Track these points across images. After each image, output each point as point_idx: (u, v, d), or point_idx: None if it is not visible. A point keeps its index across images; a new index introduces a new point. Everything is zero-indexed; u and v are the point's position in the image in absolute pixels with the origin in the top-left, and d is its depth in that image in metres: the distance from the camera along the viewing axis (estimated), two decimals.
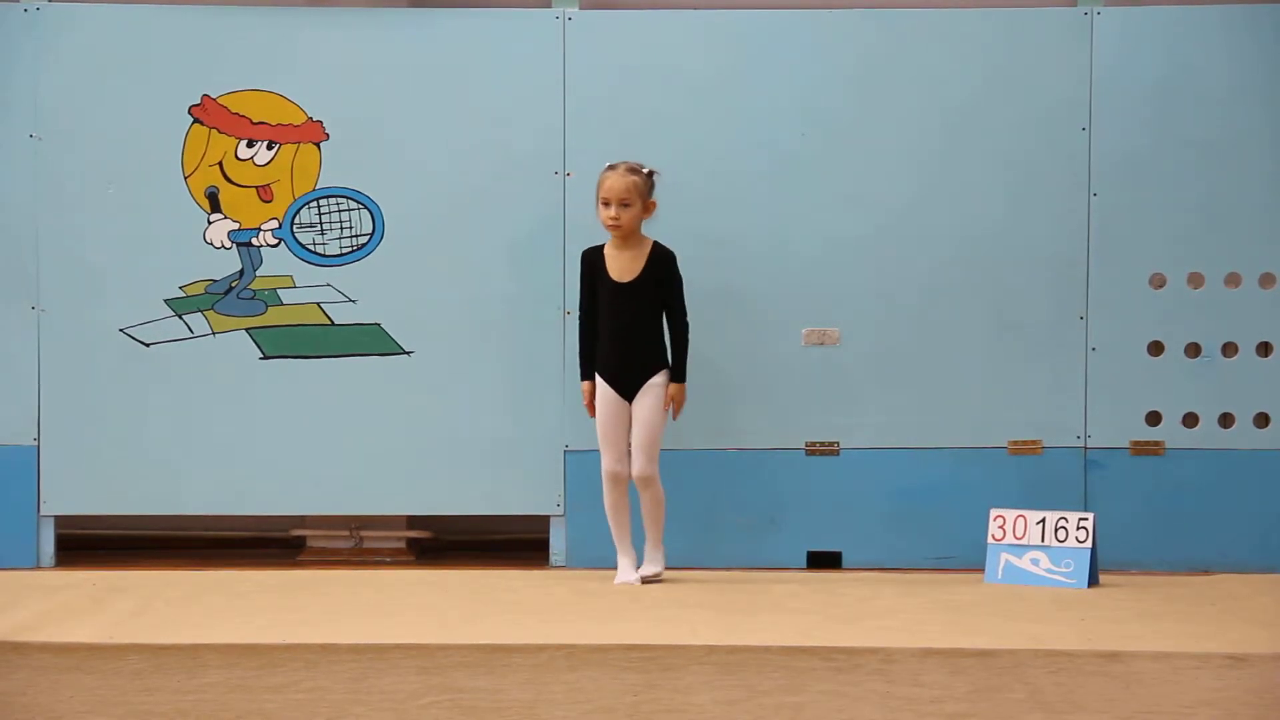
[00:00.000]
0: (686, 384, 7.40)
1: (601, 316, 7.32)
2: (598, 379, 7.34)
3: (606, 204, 7.25)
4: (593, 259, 7.35)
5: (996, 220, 7.88)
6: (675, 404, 7.37)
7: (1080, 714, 5.14)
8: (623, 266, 7.28)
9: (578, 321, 7.44)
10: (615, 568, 7.53)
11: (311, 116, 7.91)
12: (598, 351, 7.34)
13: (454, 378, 7.93)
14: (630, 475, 7.34)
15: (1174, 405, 7.88)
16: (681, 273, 7.71)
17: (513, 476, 7.88)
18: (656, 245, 7.33)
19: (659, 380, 7.31)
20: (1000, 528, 7.57)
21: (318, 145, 7.92)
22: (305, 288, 7.94)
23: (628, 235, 7.29)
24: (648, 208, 7.31)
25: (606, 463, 7.34)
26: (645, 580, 7.36)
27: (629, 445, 7.33)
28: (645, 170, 7.31)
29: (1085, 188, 7.86)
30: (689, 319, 7.38)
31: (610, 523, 7.41)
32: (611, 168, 7.30)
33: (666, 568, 7.50)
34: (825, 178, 7.88)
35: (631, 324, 7.27)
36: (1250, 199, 7.85)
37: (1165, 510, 7.85)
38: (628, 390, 7.30)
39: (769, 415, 7.89)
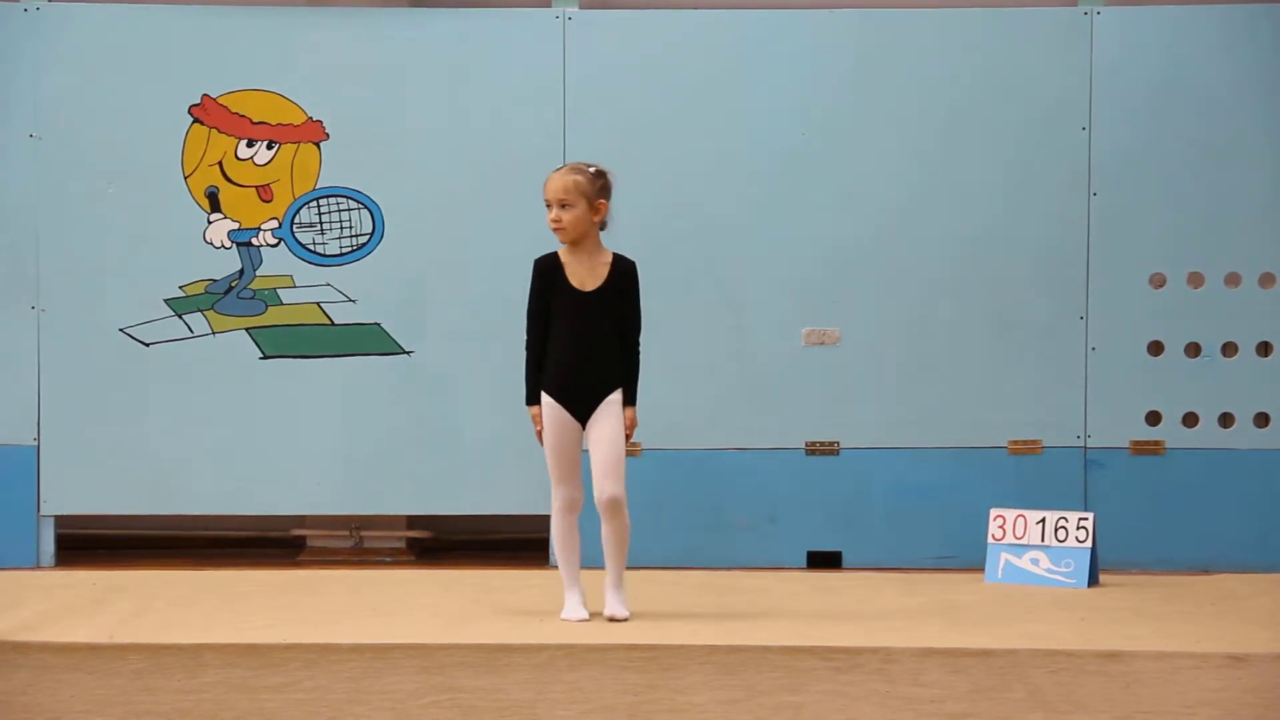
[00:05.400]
0: (636, 408, 6.61)
1: (558, 329, 6.53)
2: (545, 400, 6.54)
3: (548, 206, 6.54)
4: (549, 266, 6.57)
5: (996, 220, 7.88)
6: (628, 430, 6.58)
7: (1080, 714, 5.14)
8: (583, 275, 6.54)
9: (527, 337, 6.59)
10: None
11: (311, 116, 7.91)
12: (548, 367, 6.54)
13: (454, 377, 7.93)
14: (581, 503, 6.58)
15: (1174, 405, 7.88)
16: (677, 273, 7.74)
17: (513, 476, 7.87)
18: (619, 256, 6.58)
19: (617, 398, 6.53)
20: (1000, 527, 7.57)
21: (317, 145, 7.92)
22: (305, 287, 7.94)
23: (576, 240, 6.53)
24: (596, 209, 6.51)
25: (563, 492, 6.55)
26: (613, 620, 6.51)
27: (580, 472, 6.58)
28: (591, 169, 6.55)
29: (1085, 187, 7.86)
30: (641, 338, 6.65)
31: (560, 556, 6.62)
32: (558, 168, 6.66)
33: (665, 568, 7.50)
34: (825, 177, 7.88)
35: (593, 337, 6.51)
36: (1250, 199, 7.85)
37: (1165, 510, 7.85)
38: (582, 409, 6.51)
39: (769, 415, 7.89)
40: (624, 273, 6.56)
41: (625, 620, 6.47)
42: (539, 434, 6.56)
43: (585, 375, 6.52)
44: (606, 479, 6.46)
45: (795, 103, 7.88)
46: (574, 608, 6.55)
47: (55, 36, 7.85)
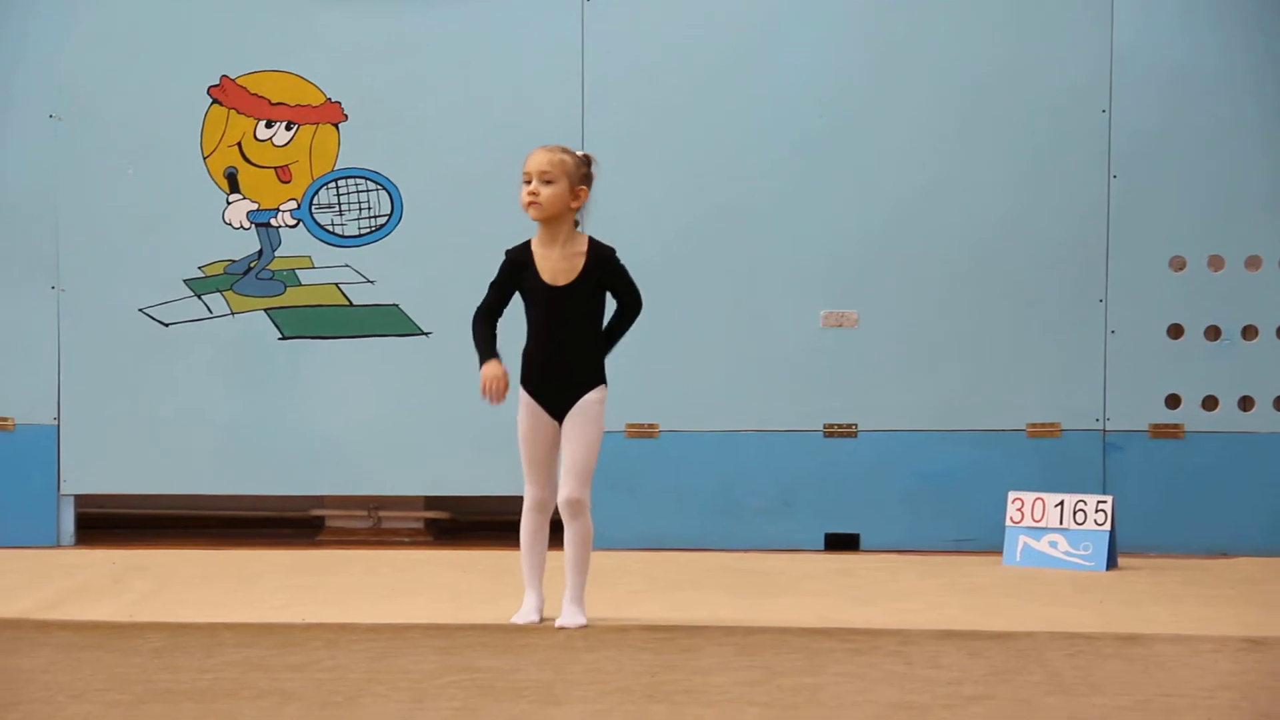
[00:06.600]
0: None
1: (530, 323, 6.16)
2: (522, 395, 6.18)
3: (527, 180, 6.06)
4: (519, 259, 6.16)
5: (1016, 203, 7.86)
6: None
7: (1098, 696, 5.13)
8: (555, 267, 6.09)
9: (474, 317, 6.24)
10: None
11: (330, 97, 7.91)
12: (524, 362, 6.17)
13: (472, 359, 7.87)
14: (555, 504, 6.19)
15: (1193, 388, 7.86)
16: (696, 254, 7.73)
17: None
18: (594, 242, 6.12)
19: (595, 397, 6.13)
20: (1019, 510, 7.56)
21: (336, 126, 7.92)
22: (324, 268, 7.95)
23: (550, 221, 6.07)
24: (576, 194, 6.06)
25: (532, 491, 6.19)
26: (563, 628, 6.14)
27: (557, 471, 6.20)
28: (580, 153, 6.14)
29: (1105, 170, 7.83)
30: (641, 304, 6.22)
31: (524, 555, 6.24)
32: (541, 145, 6.19)
33: (682, 549, 7.48)
34: (843, 160, 7.86)
35: (564, 334, 6.13)
36: (1271, 181, 7.81)
37: (1184, 493, 7.83)
38: (558, 408, 6.13)
39: (787, 397, 7.88)
40: (602, 261, 6.12)
41: (582, 627, 6.10)
42: (494, 393, 6.16)
43: (559, 373, 6.13)
44: (570, 479, 6.11)
45: (814, 85, 7.86)
46: (527, 611, 6.22)
47: (74, 17, 7.86)
